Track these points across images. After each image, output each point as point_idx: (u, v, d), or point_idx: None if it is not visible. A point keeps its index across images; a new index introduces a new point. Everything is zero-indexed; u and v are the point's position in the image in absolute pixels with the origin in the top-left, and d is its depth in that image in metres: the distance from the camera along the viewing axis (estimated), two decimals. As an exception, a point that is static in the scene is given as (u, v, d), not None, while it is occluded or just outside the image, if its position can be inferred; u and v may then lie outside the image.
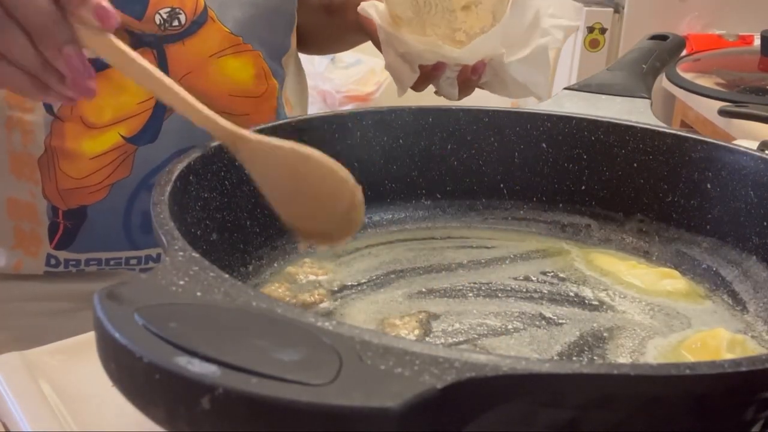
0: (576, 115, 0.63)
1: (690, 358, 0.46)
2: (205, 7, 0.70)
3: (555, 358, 0.45)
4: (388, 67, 0.71)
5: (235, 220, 0.52)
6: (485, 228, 0.63)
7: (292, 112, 0.81)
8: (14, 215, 0.71)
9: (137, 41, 0.68)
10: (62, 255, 0.72)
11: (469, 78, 0.70)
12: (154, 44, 0.69)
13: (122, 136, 0.69)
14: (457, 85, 0.72)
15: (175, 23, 0.68)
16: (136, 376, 0.27)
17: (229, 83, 0.73)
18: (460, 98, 0.73)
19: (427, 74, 0.70)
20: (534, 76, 0.71)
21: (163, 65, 0.69)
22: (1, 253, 0.72)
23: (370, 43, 0.76)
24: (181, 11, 0.68)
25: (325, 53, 1.44)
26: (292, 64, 0.82)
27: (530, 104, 0.69)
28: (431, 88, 0.74)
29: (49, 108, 0.67)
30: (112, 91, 0.68)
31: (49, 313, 0.74)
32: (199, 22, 0.69)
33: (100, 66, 0.66)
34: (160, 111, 0.70)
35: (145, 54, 0.68)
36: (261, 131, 0.54)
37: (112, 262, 0.73)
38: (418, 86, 0.72)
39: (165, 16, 0.67)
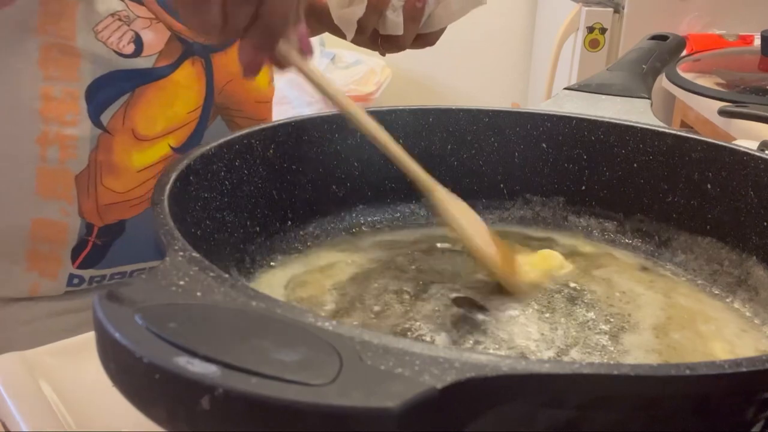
0: (576, 115, 0.63)
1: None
2: None
3: (555, 357, 0.45)
4: (336, 16, 0.70)
5: (235, 220, 0.52)
6: (485, 228, 0.63)
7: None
8: (37, 237, 0.68)
9: (188, 49, 0.69)
10: (87, 273, 0.70)
11: (414, 5, 0.70)
12: (203, 53, 0.70)
13: (171, 147, 0.69)
14: (403, 16, 0.71)
15: None
16: (136, 376, 0.27)
17: (255, 90, 0.75)
18: (406, 35, 0.72)
19: (375, 5, 0.69)
20: None
21: (209, 74, 0.70)
22: (15, 277, 0.69)
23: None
24: None
25: None
26: None
27: (530, 104, 0.68)
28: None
29: (97, 121, 0.66)
30: (166, 101, 0.68)
31: (71, 328, 0.69)
32: None
33: (154, 76, 0.67)
34: (205, 118, 0.71)
35: (195, 63, 0.69)
36: (262, 131, 0.54)
37: (135, 274, 0.72)
38: (366, 21, 0.70)
39: None
